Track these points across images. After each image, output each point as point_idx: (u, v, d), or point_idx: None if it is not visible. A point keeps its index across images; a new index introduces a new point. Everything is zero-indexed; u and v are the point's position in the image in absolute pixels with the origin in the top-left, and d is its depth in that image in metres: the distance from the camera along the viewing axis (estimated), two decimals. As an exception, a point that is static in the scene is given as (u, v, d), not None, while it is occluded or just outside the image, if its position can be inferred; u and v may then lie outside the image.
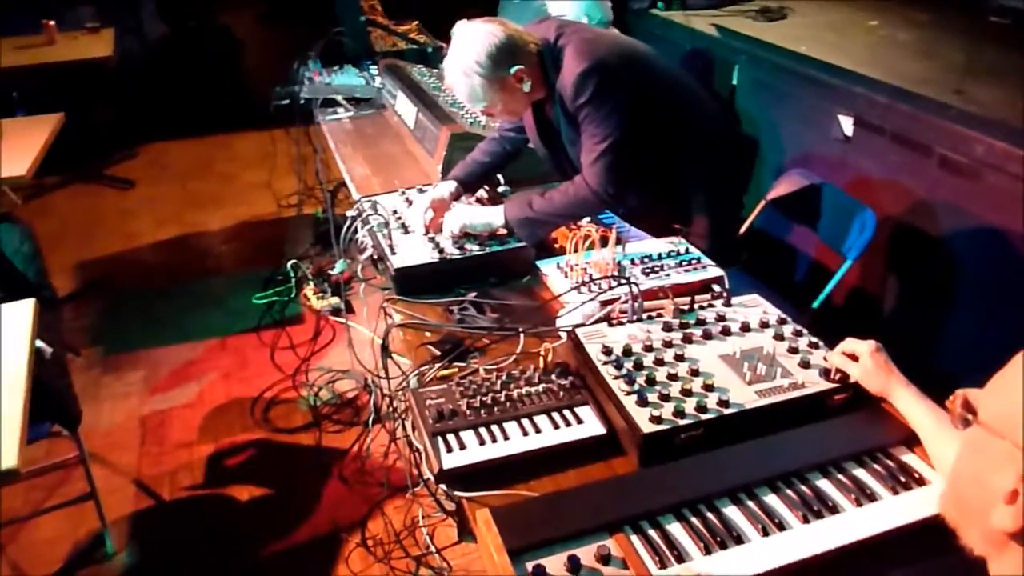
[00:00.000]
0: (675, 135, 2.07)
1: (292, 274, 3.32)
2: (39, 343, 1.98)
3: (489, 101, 1.92)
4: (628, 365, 1.47)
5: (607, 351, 1.50)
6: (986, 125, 2.36)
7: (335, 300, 3.26)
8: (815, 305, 2.25)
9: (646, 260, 1.90)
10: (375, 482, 2.37)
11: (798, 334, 1.56)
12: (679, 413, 1.33)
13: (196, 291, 3.53)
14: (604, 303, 1.71)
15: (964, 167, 2.39)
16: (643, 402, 1.37)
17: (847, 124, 2.79)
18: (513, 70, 1.89)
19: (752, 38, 3.32)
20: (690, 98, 2.14)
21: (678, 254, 1.93)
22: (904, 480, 1.23)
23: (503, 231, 1.97)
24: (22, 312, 1.79)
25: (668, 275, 1.85)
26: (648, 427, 1.32)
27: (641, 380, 1.42)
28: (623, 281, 1.64)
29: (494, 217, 1.97)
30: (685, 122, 2.09)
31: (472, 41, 1.86)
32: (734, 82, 3.40)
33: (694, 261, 1.90)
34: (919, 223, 2.58)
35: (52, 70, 4.05)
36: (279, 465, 2.51)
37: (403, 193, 2.21)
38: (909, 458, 1.30)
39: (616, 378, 1.43)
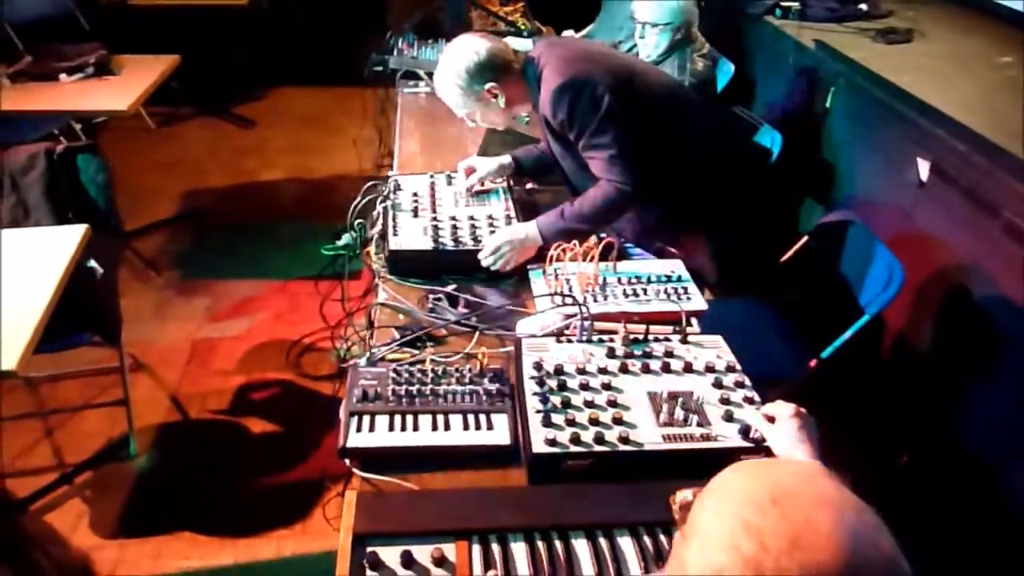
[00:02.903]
0: (662, 149, 2.06)
1: (357, 232, 3.51)
2: (92, 263, 2.26)
3: (468, 110, 2.10)
4: (552, 383, 1.51)
5: (539, 366, 1.55)
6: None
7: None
8: (824, 355, 2.16)
9: (633, 281, 1.91)
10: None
11: (739, 385, 1.54)
12: (574, 439, 1.37)
13: (278, 233, 3.81)
14: (568, 317, 1.74)
15: (1028, 236, 2.19)
16: (547, 422, 1.41)
17: (924, 168, 2.60)
18: (487, 86, 2.01)
19: (852, 61, 3.12)
20: (678, 116, 2.15)
21: (668, 279, 1.92)
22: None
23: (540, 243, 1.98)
24: (71, 236, 2.05)
25: (649, 300, 1.85)
26: (540, 447, 1.37)
27: (556, 400, 1.46)
28: (575, 301, 1.67)
29: (529, 229, 1.99)
30: (672, 138, 2.10)
31: (457, 54, 2.03)
32: (828, 105, 3.23)
33: (680, 290, 1.88)
34: (973, 287, 2.39)
35: (191, 10, 4.43)
36: (295, 407, 2.73)
37: (431, 176, 2.31)
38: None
39: (534, 394, 1.48)
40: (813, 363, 2.16)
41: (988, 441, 2.35)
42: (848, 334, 2.14)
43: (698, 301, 1.87)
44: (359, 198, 2.11)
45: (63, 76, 3.13)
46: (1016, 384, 2.25)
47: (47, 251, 1.99)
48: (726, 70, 3.46)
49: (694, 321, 1.80)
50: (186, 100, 5.04)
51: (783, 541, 0.64)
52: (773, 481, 0.70)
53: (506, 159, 2.32)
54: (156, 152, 4.59)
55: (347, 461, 1.45)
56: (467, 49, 2.02)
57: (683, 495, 0.78)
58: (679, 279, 1.93)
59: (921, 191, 2.64)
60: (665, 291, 1.87)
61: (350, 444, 1.43)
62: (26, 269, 1.91)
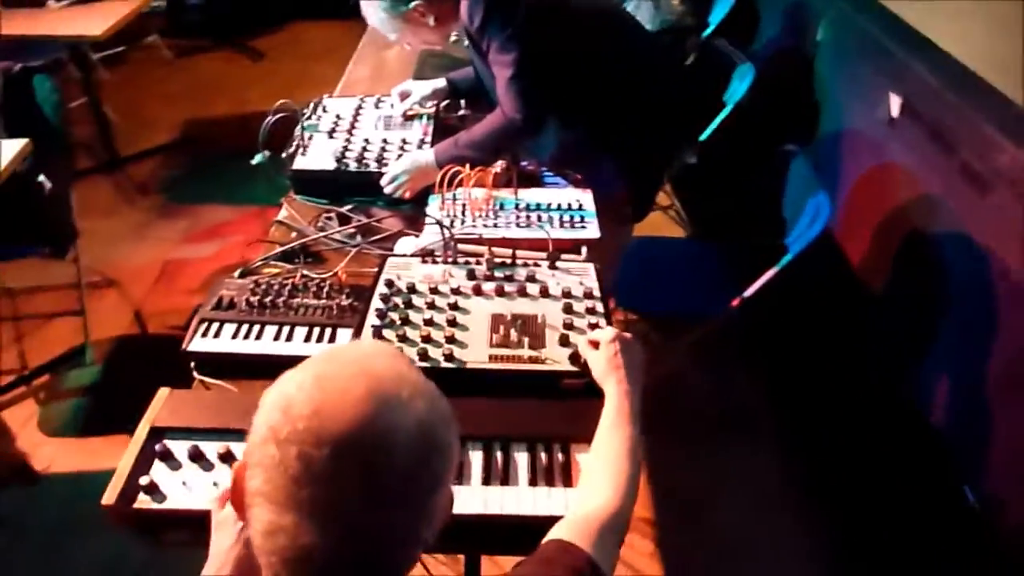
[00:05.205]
0: (584, 75, 1.98)
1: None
2: (41, 178, 2.37)
3: (398, 32, 2.03)
4: (398, 300, 1.51)
5: (390, 283, 1.55)
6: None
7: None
8: (746, 295, 2.08)
9: (532, 208, 1.87)
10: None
11: (589, 311, 1.50)
12: (398, 355, 1.37)
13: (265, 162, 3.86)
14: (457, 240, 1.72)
15: (979, 176, 2.03)
16: (377, 336, 1.42)
17: (895, 105, 2.43)
18: (412, 4, 1.94)
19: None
20: (609, 41, 2.06)
21: (569, 208, 1.88)
22: (547, 476, 1.21)
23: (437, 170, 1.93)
24: (10, 149, 2.15)
25: (542, 227, 1.81)
26: (363, 359, 1.38)
27: (396, 316, 1.47)
28: (438, 223, 1.66)
29: (427, 156, 1.98)
30: (598, 64, 2.02)
31: None
32: (819, 39, 3.03)
33: (576, 219, 1.84)
34: (935, 229, 2.25)
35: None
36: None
37: (361, 100, 2.31)
38: (584, 458, 1.24)
39: (376, 310, 1.49)
40: (736, 302, 2.09)
41: (927, 377, 2.25)
42: (770, 274, 2.05)
43: (592, 230, 1.81)
44: (271, 116, 2.12)
45: (51, 1, 3.21)
46: (960, 333, 2.13)
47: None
48: (724, 2, 3.29)
49: (584, 249, 1.76)
50: (206, 32, 5.13)
51: (305, 409, 0.69)
52: (326, 359, 0.76)
53: (440, 83, 2.28)
54: (168, 82, 4.70)
55: (192, 364, 1.49)
56: None
57: None
58: (580, 208, 1.88)
59: (891, 128, 2.47)
60: (560, 220, 1.83)
61: (191, 348, 1.48)
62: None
